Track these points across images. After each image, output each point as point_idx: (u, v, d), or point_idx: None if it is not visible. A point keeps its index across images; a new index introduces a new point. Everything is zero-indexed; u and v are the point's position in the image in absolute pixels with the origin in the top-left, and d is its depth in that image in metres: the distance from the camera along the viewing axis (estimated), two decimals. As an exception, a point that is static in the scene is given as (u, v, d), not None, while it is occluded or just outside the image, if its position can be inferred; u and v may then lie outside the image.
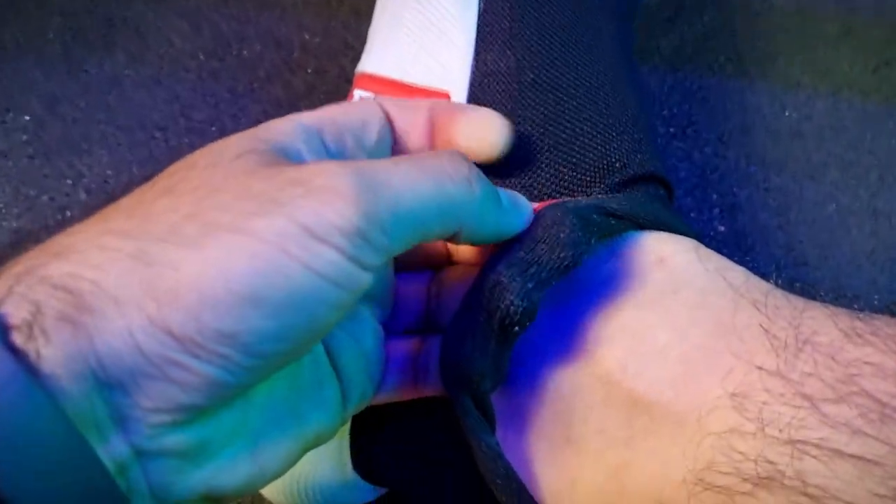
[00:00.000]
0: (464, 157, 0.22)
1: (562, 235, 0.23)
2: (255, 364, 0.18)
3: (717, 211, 0.39)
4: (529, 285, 0.22)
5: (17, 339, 0.16)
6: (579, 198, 0.26)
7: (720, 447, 0.20)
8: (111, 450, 0.17)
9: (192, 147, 0.42)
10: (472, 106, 0.28)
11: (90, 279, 0.17)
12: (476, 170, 0.22)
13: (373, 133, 0.26)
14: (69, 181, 0.40)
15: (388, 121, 0.27)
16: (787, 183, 0.39)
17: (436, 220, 0.21)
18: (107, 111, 0.42)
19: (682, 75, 0.42)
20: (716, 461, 0.20)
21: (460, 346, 0.23)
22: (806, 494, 0.19)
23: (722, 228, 0.38)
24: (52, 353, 0.16)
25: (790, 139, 0.41)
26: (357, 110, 0.26)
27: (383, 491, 0.31)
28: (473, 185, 0.22)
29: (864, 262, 0.37)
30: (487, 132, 0.28)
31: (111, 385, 0.17)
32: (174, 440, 0.18)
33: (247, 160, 0.20)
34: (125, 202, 0.20)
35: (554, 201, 0.25)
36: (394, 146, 0.28)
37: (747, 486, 0.19)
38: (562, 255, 0.23)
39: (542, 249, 0.23)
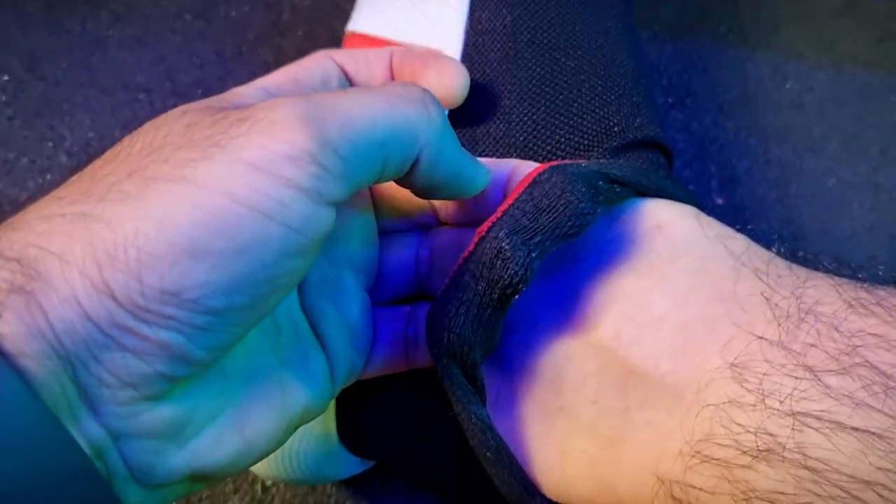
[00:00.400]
0: (415, 83, 0.22)
1: (568, 205, 0.22)
2: (210, 323, 0.17)
3: (715, 183, 0.38)
4: (533, 254, 0.21)
5: None
6: (580, 161, 0.26)
7: (719, 419, 0.20)
8: (84, 431, 0.17)
9: (177, 110, 0.41)
10: (430, 52, 0.28)
11: (36, 245, 0.16)
12: (431, 94, 0.22)
13: (333, 88, 0.25)
14: (50, 144, 0.39)
15: (346, 76, 0.26)
16: (787, 155, 0.39)
17: (393, 142, 0.20)
18: (89, 72, 0.41)
19: (683, 44, 0.41)
20: (714, 433, 0.20)
21: (451, 315, 0.22)
22: (806, 468, 0.18)
23: (720, 201, 0.38)
24: (9, 329, 0.15)
25: (791, 111, 0.40)
26: (315, 67, 0.25)
27: (370, 463, 0.31)
28: (429, 106, 0.21)
29: (863, 237, 0.37)
30: (450, 80, 0.27)
31: (71, 361, 0.16)
32: (148, 419, 0.17)
33: (193, 115, 0.19)
34: (75, 176, 0.19)
35: (553, 163, 0.24)
36: None
37: (746, 459, 0.19)
38: (568, 223, 0.22)
39: (547, 218, 0.22)
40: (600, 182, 0.24)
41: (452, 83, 0.27)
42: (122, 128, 0.39)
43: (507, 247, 0.21)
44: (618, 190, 0.24)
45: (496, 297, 0.21)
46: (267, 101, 0.19)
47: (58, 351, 0.16)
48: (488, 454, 0.23)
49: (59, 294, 0.16)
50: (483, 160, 0.26)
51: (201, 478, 0.19)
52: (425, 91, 0.22)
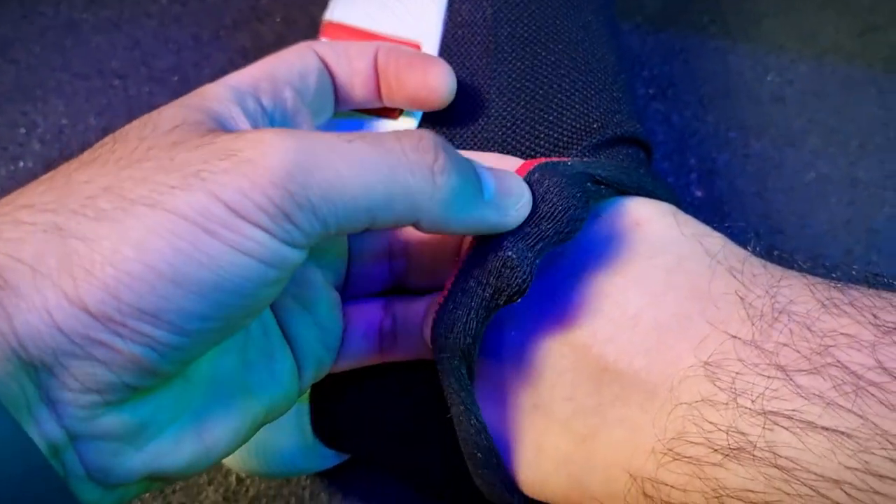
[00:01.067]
0: (436, 142, 0.20)
1: (567, 211, 0.22)
2: (183, 343, 0.17)
3: (694, 176, 0.38)
4: (537, 262, 0.22)
5: None
6: (565, 158, 0.25)
7: (691, 417, 0.20)
8: (42, 431, 0.17)
9: (153, 96, 0.40)
10: (417, 52, 0.27)
11: (5, 253, 0.16)
12: (447, 158, 0.20)
13: (311, 84, 0.25)
14: (22, 130, 0.38)
15: (328, 69, 0.26)
16: (767, 149, 0.39)
17: (383, 210, 0.19)
18: (63, 57, 0.40)
19: (665, 35, 0.41)
20: (686, 431, 0.20)
21: (464, 321, 0.22)
22: (776, 466, 0.18)
23: (699, 194, 0.38)
24: None
25: (771, 104, 0.40)
26: (295, 60, 0.25)
27: (346, 456, 0.31)
28: (437, 176, 0.20)
29: (840, 231, 0.37)
30: (436, 82, 0.27)
31: (35, 366, 0.16)
32: (108, 422, 0.17)
33: (181, 132, 0.19)
34: (48, 175, 0.19)
35: (542, 160, 0.24)
36: (336, 94, 0.27)
37: (717, 457, 0.19)
38: (566, 230, 0.22)
39: (548, 225, 0.22)
40: (588, 183, 0.24)
41: (438, 85, 0.27)
42: (97, 115, 0.39)
43: (513, 255, 0.21)
44: (603, 191, 0.24)
45: (502, 302, 0.22)
46: (259, 135, 0.18)
47: (19, 354, 0.16)
48: (478, 454, 0.23)
49: (28, 302, 0.16)
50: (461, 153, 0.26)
51: (159, 479, 0.19)
52: (439, 155, 0.20)
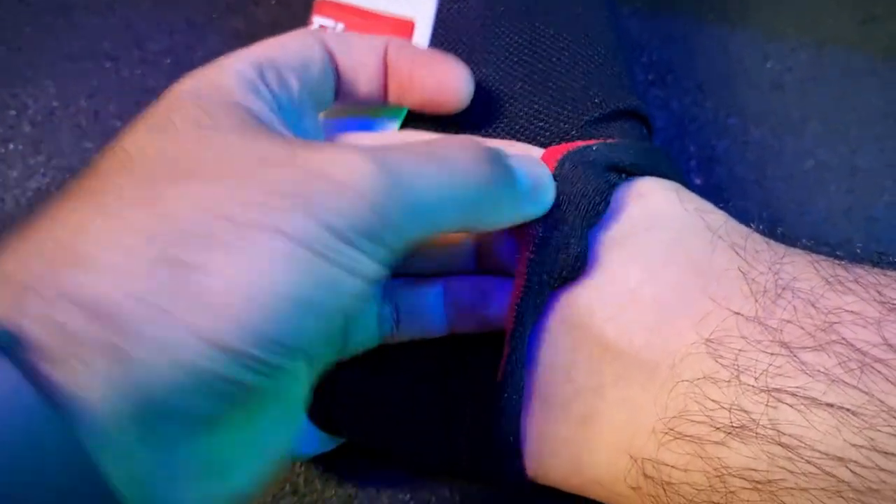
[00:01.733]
0: (488, 151, 0.21)
1: (599, 205, 0.23)
2: (303, 370, 0.17)
3: (693, 163, 0.38)
4: (584, 244, 0.23)
5: (44, 367, 0.14)
6: (590, 142, 0.25)
7: (693, 395, 0.19)
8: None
9: (145, 78, 0.39)
10: (432, 52, 0.26)
11: (116, 292, 0.15)
12: (493, 160, 0.20)
13: (315, 74, 0.24)
14: (12, 112, 0.38)
15: (332, 58, 0.25)
16: (766, 136, 0.38)
17: (453, 220, 0.20)
18: (54, 38, 0.39)
19: (664, 21, 0.41)
20: (688, 409, 0.19)
21: (535, 303, 0.23)
22: (780, 444, 0.18)
23: (698, 181, 0.37)
24: (86, 384, 0.14)
25: (771, 91, 0.40)
26: (296, 47, 0.24)
27: (340, 441, 0.30)
28: (494, 186, 0.20)
29: (839, 219, 0.37)
30: (456, 84, 0.25)
31: (142, 414, 0.15)
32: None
33: (264, 146, 0.18)
34: (99, 180, 0.18)
35: (566, 147, 0.24)
36: (339, 85, 0.25)
37: (720, 435, 0.19)
38: (595, 222, 0.23)
39: (592, 219, 0.23)
40: (612, 174, 0.24)
41: (458, 88, 0.26)
42: (88, 97, 0.38)
43: (580, 251, 0.23)
44: (623, 177, 0.25)
45: (555, 285, 0.23)
46: (342, 155, 0.18)
47: (137, 403, 0.15)
48: (510, 439, 0.23)
49: (152, 346, 0.15)
50: (496, 143, 0.25)
51: None
52: (492, 162, 0.20)
